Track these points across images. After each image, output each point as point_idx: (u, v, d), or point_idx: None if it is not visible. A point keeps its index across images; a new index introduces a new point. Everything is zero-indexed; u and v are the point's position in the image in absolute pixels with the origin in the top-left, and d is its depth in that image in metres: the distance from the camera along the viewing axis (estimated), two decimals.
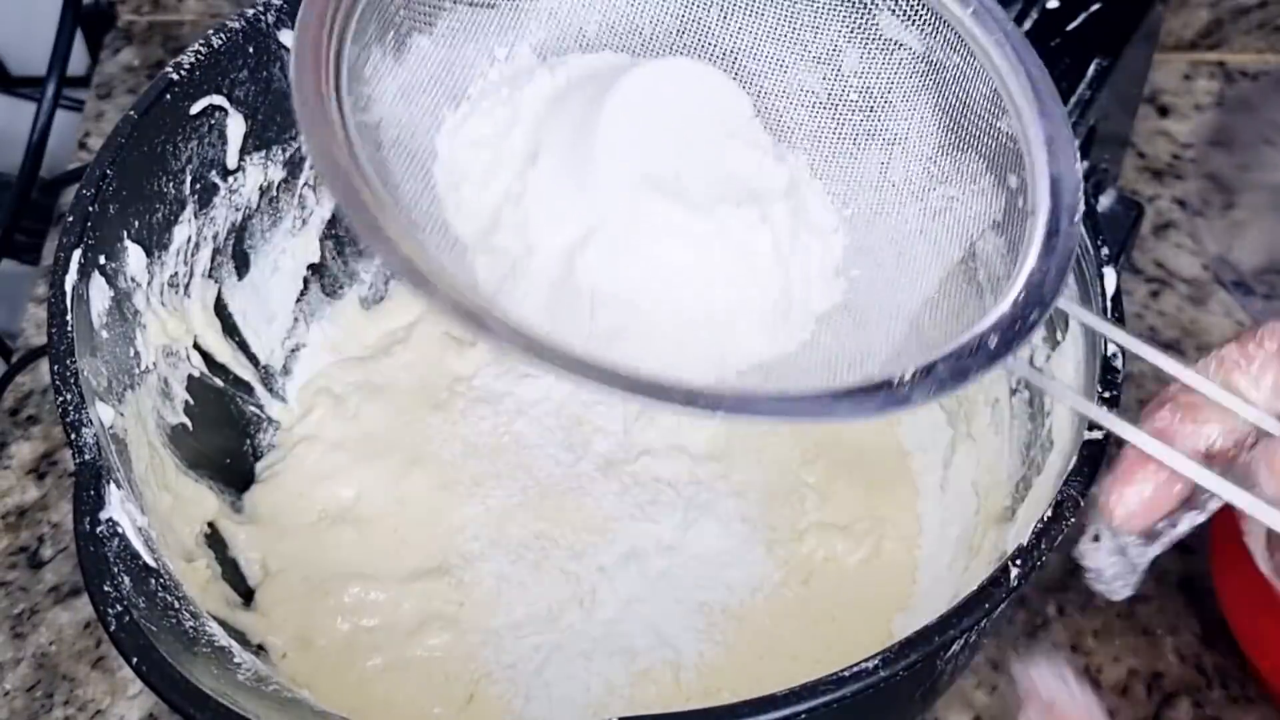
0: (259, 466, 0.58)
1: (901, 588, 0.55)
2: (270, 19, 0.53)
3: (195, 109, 0.51)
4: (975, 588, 0.38)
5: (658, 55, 0.49)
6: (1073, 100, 0.56)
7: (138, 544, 0.40)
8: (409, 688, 0.51)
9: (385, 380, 0.61)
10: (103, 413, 0.44)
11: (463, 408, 0.59)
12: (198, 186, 0.52)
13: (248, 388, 0.57)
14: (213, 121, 0.52)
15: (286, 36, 0.53)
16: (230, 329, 0.56)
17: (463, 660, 0.52)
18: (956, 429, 0.57)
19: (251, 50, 0.53)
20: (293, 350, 0.60)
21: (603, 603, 0.53)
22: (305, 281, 0.60)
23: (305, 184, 0.58)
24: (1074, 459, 0.41)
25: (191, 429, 0.53)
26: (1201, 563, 0.62)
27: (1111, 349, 0.43)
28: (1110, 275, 0.45)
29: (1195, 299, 0.72)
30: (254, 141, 0.54)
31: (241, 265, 0.56)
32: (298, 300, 0.60)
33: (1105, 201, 0.65)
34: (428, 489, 0.57)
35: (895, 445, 0.59)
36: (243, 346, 0.57)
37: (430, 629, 0.52)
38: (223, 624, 0.46)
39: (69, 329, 0.43)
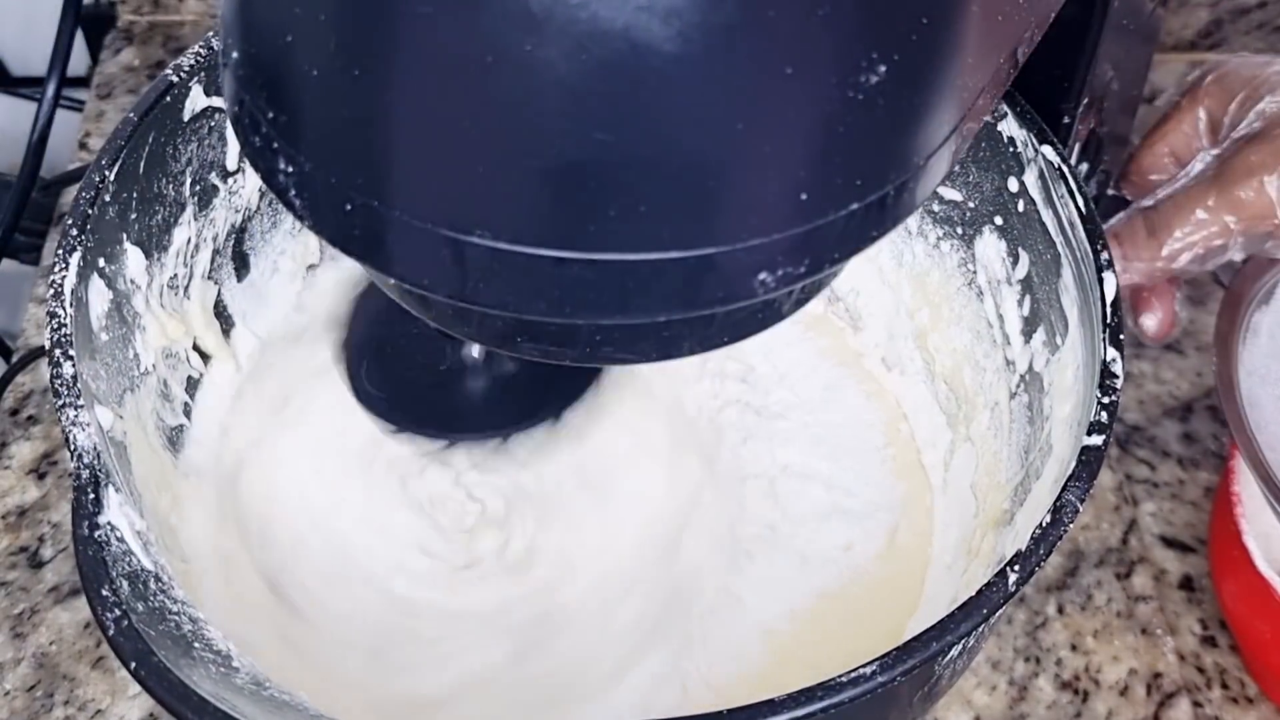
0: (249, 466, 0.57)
1: (914, 587, 0.54)
2: None
3: (195, 111, 0.51)
4: (974, 592, 0.38)
5: None
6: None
7: (136, 547, 0.40)
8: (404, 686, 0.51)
9: None
10: (101, 416, 0.44)
11: None
12: (197, 188, 0.52)
13: None
14: (212, 123, 0.52)
15: None
16: (230, 331, 0.56)
17: (467, 654, 0.52)
18: (956, 431, 0.57)
19: None
20: None
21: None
22: (305, 282, 0.60)
23: None
24: (1072, 464, 0.41)
25: (191, 431, 0.53)
26: (1201, 562, 0.62)
27: (1110, 354, 0.43)
28: (1110, 280, 0.45)
29: (1194, 299, 0.72)
30: None
31: (241, 267, 0.56)
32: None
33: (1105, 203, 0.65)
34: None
35: (909, 440, 0.59)
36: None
37: (423, 626, 0.52)
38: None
39: (68, 332, 0.43)
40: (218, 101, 0.52)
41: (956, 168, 0.54)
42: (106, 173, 0.47)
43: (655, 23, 0.26)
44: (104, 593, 0.37)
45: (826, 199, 0.29)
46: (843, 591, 0.54)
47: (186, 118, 0.51)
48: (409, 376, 0.51)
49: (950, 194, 0.54)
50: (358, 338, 0.51)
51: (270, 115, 0.30)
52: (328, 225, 0.30)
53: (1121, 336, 0.43)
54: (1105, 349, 0.43)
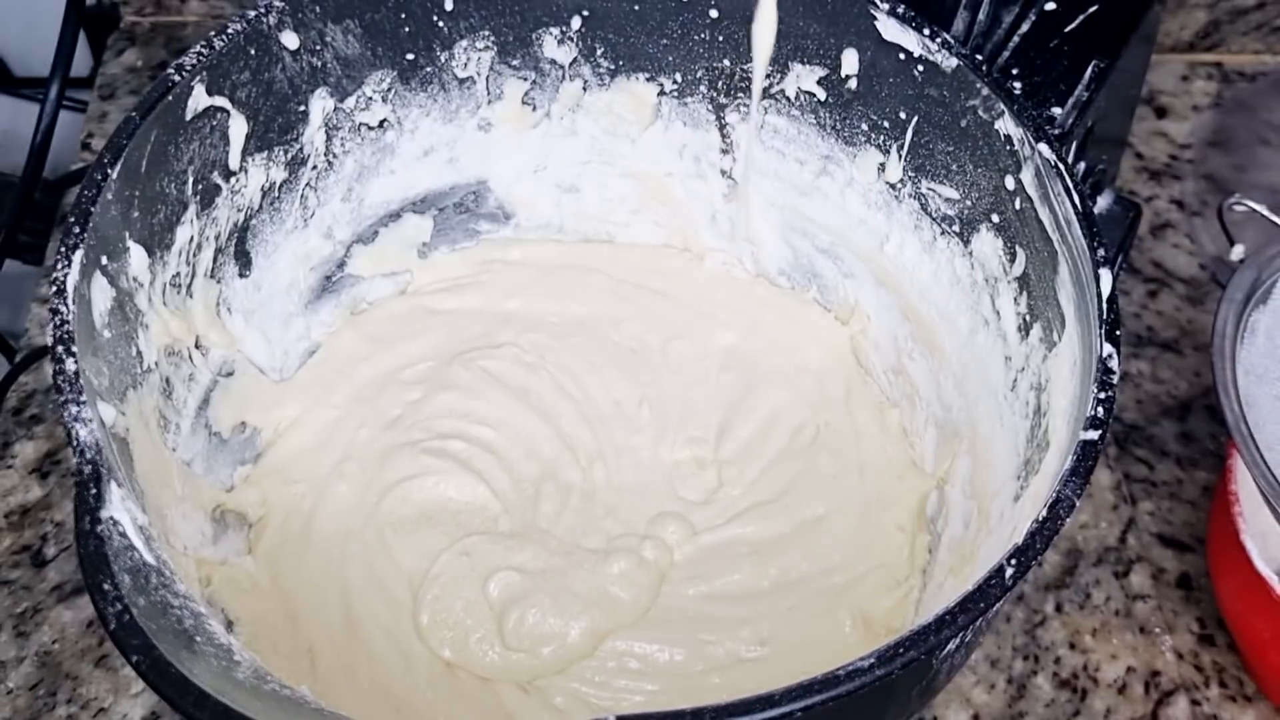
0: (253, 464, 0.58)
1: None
2: (272, 21, 0.53)
3: (197, 110, 0.51)
4: (971, 586, 0.38)
5: None
6: (1070, 101, 0.56)
7: (138, 542, 0.40)
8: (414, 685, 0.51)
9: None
10: (104, 412, 0.44)
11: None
12: (200, 187, 0.53)
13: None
14: (214, 123, 0.52)
15: (288, 38, 0.54)
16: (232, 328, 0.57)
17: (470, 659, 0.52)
18: (954, 429, 0.57)
19: (253, 52, 0.53)
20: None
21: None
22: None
23: (307, 184, 0.58)
24: (1070, 460, 0.41)
25: (192, 426, 0.53)
26: (1199, 561, 0.62)
27: (1107, 350, 0.43)
28: (1106, 277, 0.45)
29: (1193, 299, 0.73)
30: (256, 143, 0.55)
31: (244, 265, 0.57)
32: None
33: (1103, 202, 0.65)
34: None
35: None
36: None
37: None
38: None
39: (70, 330, 0.43)
40: (220, 101, 0.52)
41: (954, 165, 0.54)
42: (109, 171, 0.47)
43: None
44: (105, 587, 0.38)
45: None
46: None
47: (188, 117, 0.51)
48: None
49: (948, 191, 0.55)
50: None
51: None
52: None
53: (1118, 333, 0.43)
54: (1102, 345, 0.43)
